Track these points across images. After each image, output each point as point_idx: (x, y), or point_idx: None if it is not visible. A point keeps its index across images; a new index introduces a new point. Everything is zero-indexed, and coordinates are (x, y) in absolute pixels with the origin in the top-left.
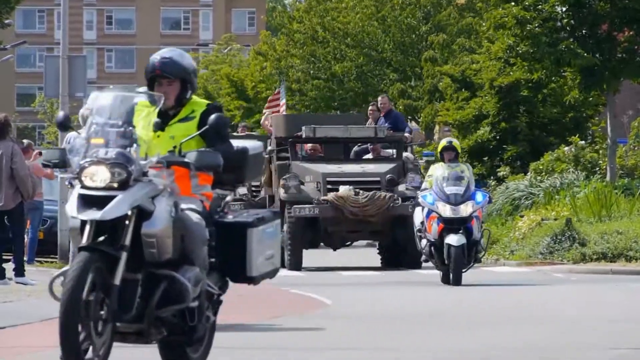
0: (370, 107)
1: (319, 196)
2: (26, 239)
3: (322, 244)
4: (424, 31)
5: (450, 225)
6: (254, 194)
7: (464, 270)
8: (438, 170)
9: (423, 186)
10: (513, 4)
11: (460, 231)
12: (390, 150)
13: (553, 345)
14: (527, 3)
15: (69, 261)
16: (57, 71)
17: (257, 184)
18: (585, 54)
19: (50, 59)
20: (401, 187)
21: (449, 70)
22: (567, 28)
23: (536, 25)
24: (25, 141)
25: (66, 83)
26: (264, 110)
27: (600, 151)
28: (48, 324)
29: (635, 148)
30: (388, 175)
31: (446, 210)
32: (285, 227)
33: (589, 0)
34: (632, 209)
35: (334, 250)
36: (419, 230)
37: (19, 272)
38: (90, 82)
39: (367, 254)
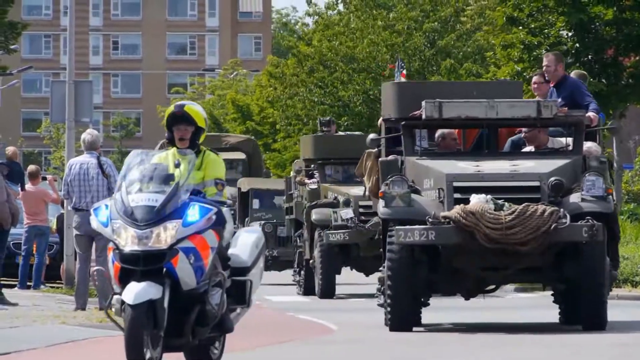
0: (534, 78)
1: (441, 211)
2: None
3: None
4: (429, 55)
5: (133, 264)
6: (363, 217)
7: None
8: (134, 166)
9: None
10: (520, 27)
11: (162, 277)
12: (564, 140)
13: None
14: (533, 26)
15: (74, 287)
16: (63, 96)
17: (367, 203)
18: (592, 79)
19: (56, 84)
20: (574, 198)
21: None
22: (573, 52)
23: (543, 50)
24: (33, 167)
25: (72, 108)
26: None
27: None
28: (52, 350)
29: None
30: (552, 179)
31: (127, 238)
32: (386, 261)
33: (594, 25)
34: (639, 234)
35: (466, 299)
36: None
37: None
38: (96, 107)
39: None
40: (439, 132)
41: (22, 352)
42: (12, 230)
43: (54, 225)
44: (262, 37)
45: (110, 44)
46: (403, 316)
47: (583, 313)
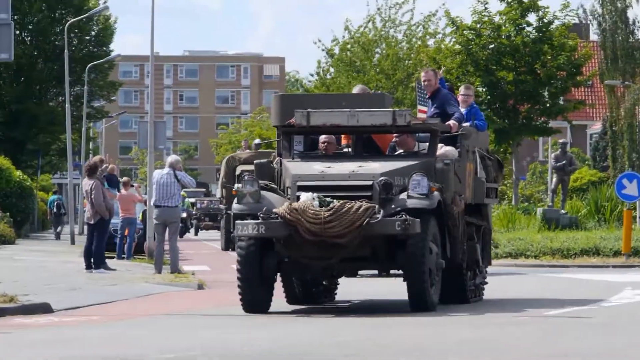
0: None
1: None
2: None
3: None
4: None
5: None
6: None
7: None
8: None
9: None
10: None
11: None
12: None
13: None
14: (459, 84)
15: (154, 258)
16: (146, 131)
17: None
18: (498, 120)
19: (142, 123)
20: (403, 195)
21: None
22: (486, 102)
23: None
24: (125, 178)
25: (152, 139)
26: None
27: (508, 184)
28: (139, 300)
29: (531, 182)
30: (382, 179)
31: None
32: (237, 251)
33: (500, 84)
34: (529, 223)
35: (323, 281)
36: None
37: (97, 264)
38: (168, 139)
39: None
40: (321, 137)
41: (119, 302)
42: (112, 221)
43: (140, 217)
44: (279, 92)
45: (178, 97)
46: (253, 299)
47: (409, 296)
